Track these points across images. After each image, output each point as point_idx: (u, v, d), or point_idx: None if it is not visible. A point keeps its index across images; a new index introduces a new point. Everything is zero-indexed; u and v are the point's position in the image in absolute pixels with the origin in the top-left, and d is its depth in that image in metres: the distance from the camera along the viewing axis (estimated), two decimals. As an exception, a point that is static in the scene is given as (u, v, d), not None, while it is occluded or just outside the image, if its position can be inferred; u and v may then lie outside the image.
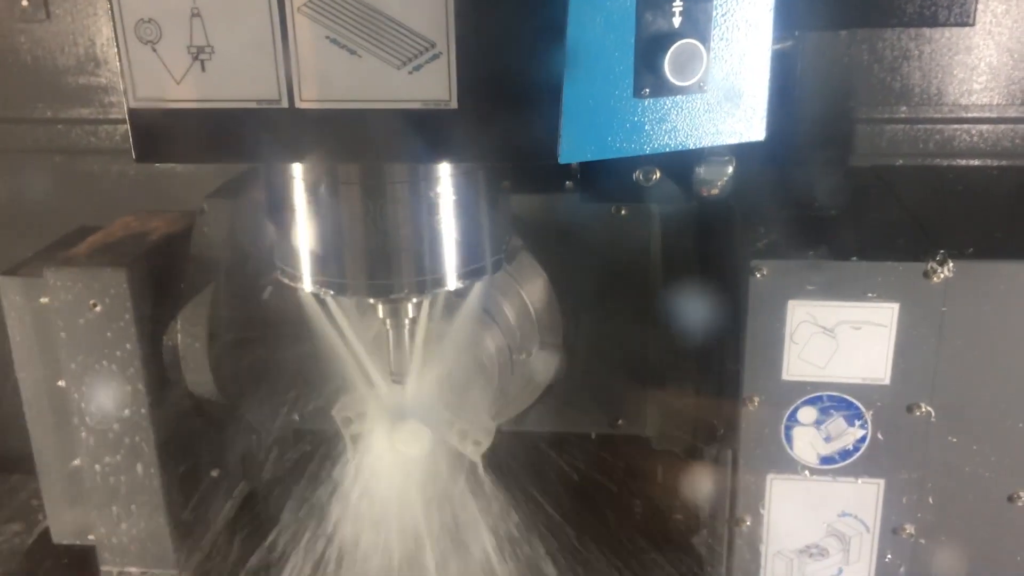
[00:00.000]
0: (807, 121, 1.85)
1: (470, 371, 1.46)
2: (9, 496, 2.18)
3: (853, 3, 1.73)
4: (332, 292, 1.20)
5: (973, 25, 1.80)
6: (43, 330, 1.53)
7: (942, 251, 1.26)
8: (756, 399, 1.34)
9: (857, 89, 1.90)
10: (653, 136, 0.98)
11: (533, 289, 1.56)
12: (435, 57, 0.93)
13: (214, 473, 1.66)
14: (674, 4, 0.94)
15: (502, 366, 1.51)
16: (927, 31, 1.83)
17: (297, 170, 1.12)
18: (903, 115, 1.91)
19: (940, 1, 1.68)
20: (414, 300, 1.27)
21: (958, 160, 1.93)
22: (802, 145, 1.78)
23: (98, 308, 1.46)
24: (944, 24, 1.77)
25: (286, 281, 1.21)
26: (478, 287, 1.34)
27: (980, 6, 1.79)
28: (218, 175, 1.68)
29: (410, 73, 0.94)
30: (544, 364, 1.59)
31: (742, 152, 1.22)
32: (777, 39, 1.01)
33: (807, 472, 1.37)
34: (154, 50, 0.97)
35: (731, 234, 1.43)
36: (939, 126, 1.91)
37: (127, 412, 1.49)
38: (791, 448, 1.36)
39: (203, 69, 0.96)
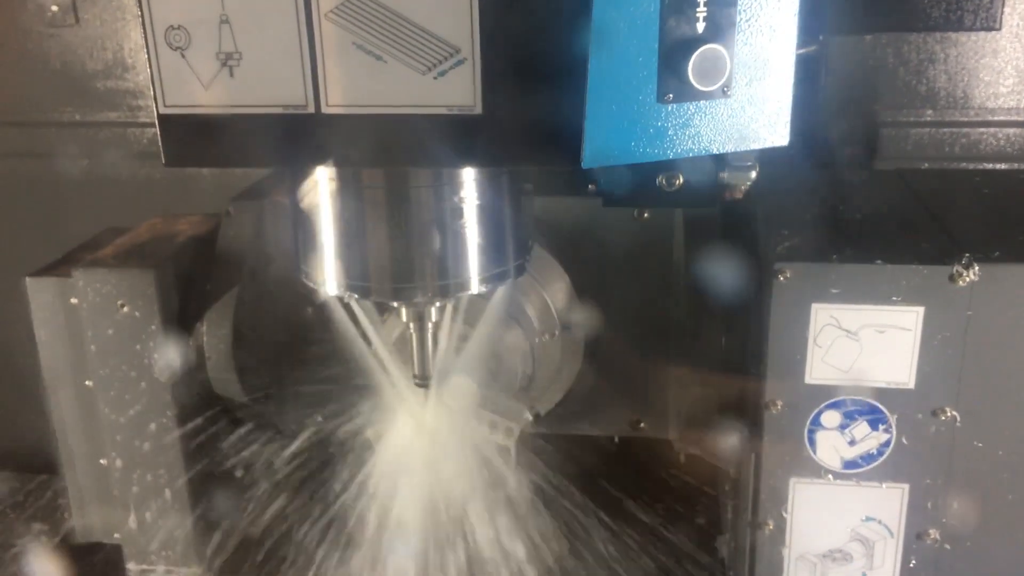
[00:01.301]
0: (832, 124, 1.84)
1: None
2: (34, 496, 2.20)
3: (878, 7, 1.72)
4: (356, 295, 1.20)
5: (999, 29, 1.79)
6: (71, 330, 1.54)
7: (967, 255, 1.26)
8: (779, 402, 1.34)
9: (882, 92, 1.89)
10: (677, 141, 0.98)
11: (555, 291, 1.57)
12: (460, 63, 0.93)
13: (239, 473, 1.67)
14: (698, 9, 0.94)
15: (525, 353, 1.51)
16: (953, 34, 1.82)
17: (322, 174, 1.13)
18: (929, 118, 1.90)
19: (966, 5, 1.67)
20: (437, 304, 1.28)
21: (984, 164, 1.91)
22: (827, 148, 1.78)
23: (126, 309, 1.47)
24: (970, 28, 1.76)
25: (310, 284, 1.22)
26: (501, 290, 1.35)
27: (1007, 9, 1.77)
28: (244, 179, 1.70)
29: (435, 79, 0.94)
30: (570, 347, 1.60)
31: (766, 154, 1.21)
32: (802, 43, 1.01)
33: (831, 476, 1.36)
34: (183, 56, 0.98)
35: (754, 237, 1.43)
36: (965, 129, 1.90)
37: (153, 412, 1.51)
38: (815, 452, 1.36)
39: (231, 75, 0.97)
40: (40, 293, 1.55)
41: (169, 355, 1.51)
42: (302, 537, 1.61)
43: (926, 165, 1.92)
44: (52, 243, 1.64)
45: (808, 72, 1.07)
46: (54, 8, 2.04)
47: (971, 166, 1.92)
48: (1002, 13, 1.76)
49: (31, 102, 2.15)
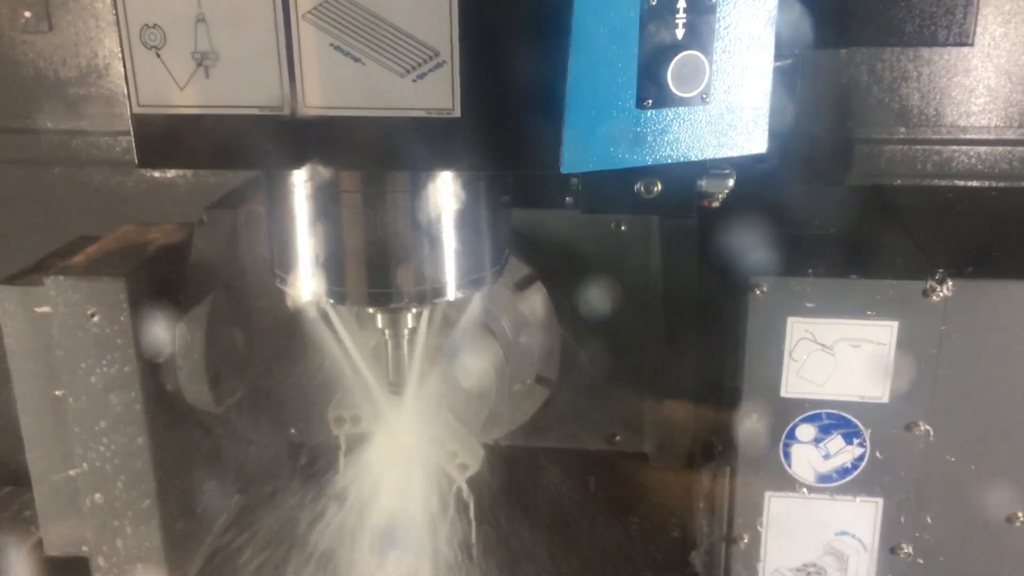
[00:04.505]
0: (806, 140, 1.85)
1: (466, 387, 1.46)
2: (0, 508, 2.16)
3: (852, 22, 1.73)
4: (332, 301, 1.19)
5: (972, 45, 1.81)
6: (41, 339, 1.52)
7: (941, 270, 1.27)
8: (754, 416, 1.34)
9: (856, 109, 1.91)
10: (655, 147, 0.98)
11: (532, 303, 1.56)
12: (439, 66, 0.93)
13: (209, 485, 1.65)
14: (677, 16, 0.94)
15: (499, 389, 1.50)
16: (926, 53, 1.84)
17: (298, 178, 1.12)
18: (902, 136, 1.92)
19: (939, 21, 1.69)
20: (413, 310, 1.27)
21: (956, 181, 1.93)
22: (802, 163, 1.79)
23: (96, 318, 1.45)
24: (943, 44, 1.78)
25: (286, 290, 1.21)
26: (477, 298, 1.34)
27: (979, 28, 1.80)
28: (218, 188, 1.69)
29: (414, 81, 0.94)
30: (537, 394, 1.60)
31: (742, 171, 1.22)
32: (777, 57, 1.02)
33: (805, 490, 1.37)
34: (158, 56, 0.97)
35: (731, 250, 1.43)
36: (937, 147, 1.92)
37: (123, 422, 1.49)
38: (789, 466, 1.36)
39: (207, 75, 0.97)
40: (9, 301, 1.52)
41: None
42: (274, 548, 1.59)
43: (899, 182, 1.93)
44: (22, 251, 1.62)
45: (784, 86, 1.08)
46: (27, 15, 2.03)
47: (943, 183, 1.94)
48: (975, 30, 1.79)
49: (2, 108, 2.13)
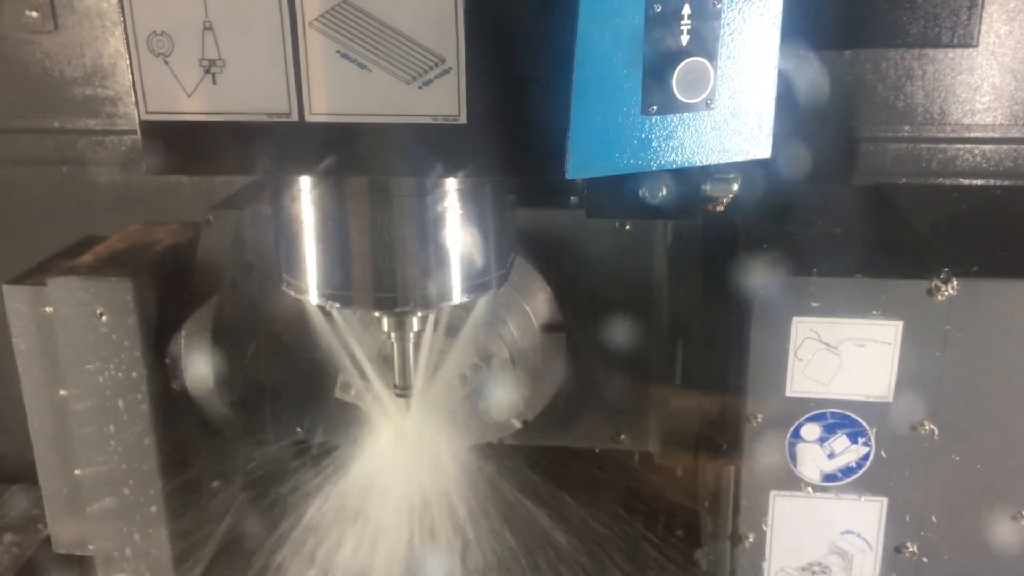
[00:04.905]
0: (811, 139, 1.85)
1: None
2: (9, 505, 2.17)
3: (857, 24, 1.73)
4: (338, 305, 1.20)
5: (976, 46, 1.81)
6: (47, 339, 1.53)
7: (946, 269, 1.27)
8: (759, 415, 1.34)
9: (861, 108, 1.90)
10: (660, 153, 0.98)
11: (537, 304, 1.57)
12: (445, 72, 0.94)
13: (215, 484, 1.66)
14: (682, 22, 0.94)
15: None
16: (930, 51, 1.83)
17: (305, 183, 1.13)
18: (906, 134, 1.92)
19: (943, 23, 1.69)
20: (419, 314, 1.27)
21: (961, 180, 1.93)
22: (806, 163, 1.79)
23: (103, 317, 1.46)
24: (947, 45, 1.78)
25: (292, 293, 1.21)
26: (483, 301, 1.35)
27: (983, 27, 1.79)
28: (224, 187, 1.69)
29: (420, 88, 0.94)
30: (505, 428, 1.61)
31: (747, 170, 1.22)
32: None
33: (810, 489, 1.37)
34: (166, 63, 0.97)
35: (736, 251, 1.43)
36: (942, 145, 1.92)
37: (130, 423, 1.50)
38: (794, 465, 1.36)
39: (214, 82, 0.97)
40: (17, 301, 1.53)
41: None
42: (279, 547, 1.59)
43: (904, 180, 1.93)
44: (29, 251, 1.62)
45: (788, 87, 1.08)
46: (33, 14, 2.03)
47: (948, 182, 1.93)
48: (979, 31, 1.79)
49: (8, 108, 2.13)
